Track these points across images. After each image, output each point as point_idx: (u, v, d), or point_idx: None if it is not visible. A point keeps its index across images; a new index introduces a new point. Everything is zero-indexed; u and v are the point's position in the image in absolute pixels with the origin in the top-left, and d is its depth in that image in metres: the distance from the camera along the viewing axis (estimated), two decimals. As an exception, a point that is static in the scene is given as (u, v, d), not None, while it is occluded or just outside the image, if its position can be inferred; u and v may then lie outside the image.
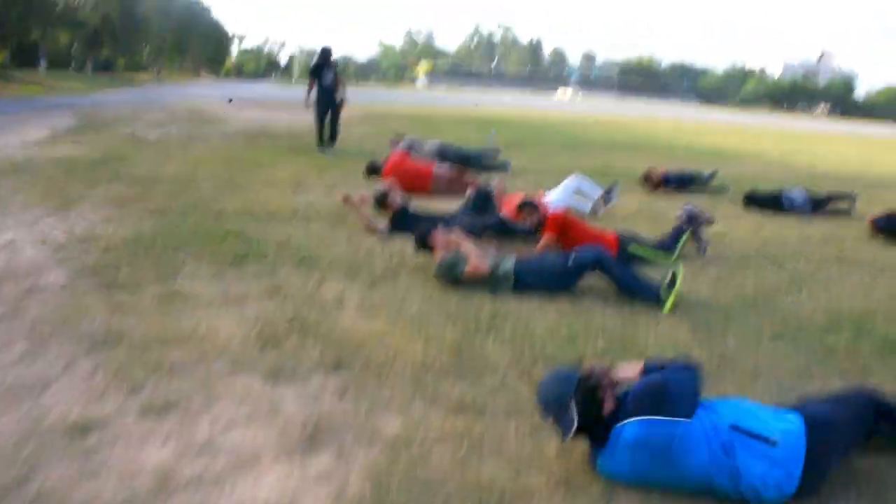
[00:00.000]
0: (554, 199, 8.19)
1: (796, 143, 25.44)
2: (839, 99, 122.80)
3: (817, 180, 12.30)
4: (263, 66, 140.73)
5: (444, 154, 11.29)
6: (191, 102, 27.68)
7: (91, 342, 3.78)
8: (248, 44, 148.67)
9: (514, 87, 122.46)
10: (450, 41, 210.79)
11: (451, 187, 9.04)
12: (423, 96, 53.17)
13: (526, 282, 5.01)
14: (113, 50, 65.35)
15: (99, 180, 8.63)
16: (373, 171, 9.65)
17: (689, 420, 2.63)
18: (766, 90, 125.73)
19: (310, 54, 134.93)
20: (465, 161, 11.23)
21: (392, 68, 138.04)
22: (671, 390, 2.70)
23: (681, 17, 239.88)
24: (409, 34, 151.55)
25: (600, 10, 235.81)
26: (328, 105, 13.43)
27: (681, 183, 10.76)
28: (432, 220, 6.49)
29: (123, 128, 15.86)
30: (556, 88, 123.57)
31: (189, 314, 4.26)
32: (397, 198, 7.14)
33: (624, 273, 5.03)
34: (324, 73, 13.30)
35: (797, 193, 9.33)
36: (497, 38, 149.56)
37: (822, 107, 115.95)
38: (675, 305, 4.75)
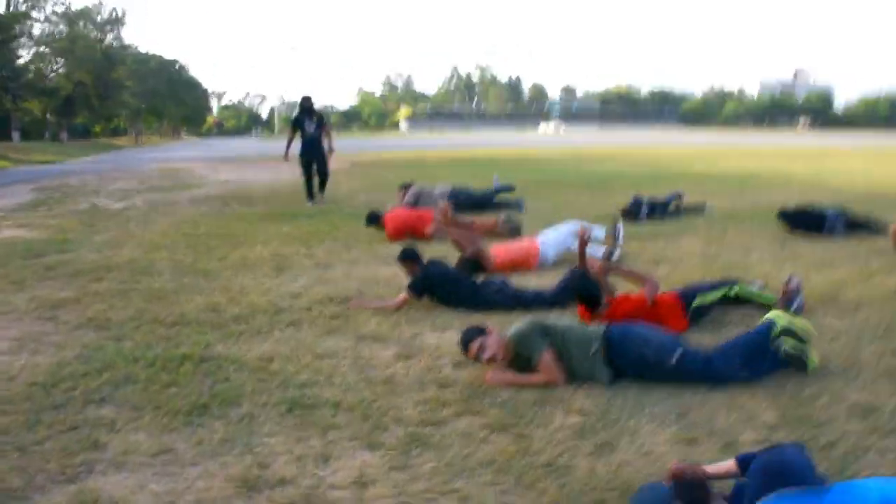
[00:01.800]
0: (552, 239, 7.33)
1: (813, 160, 23.89)
2: (818, 112, 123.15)
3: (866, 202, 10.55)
4: (245, 121, 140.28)
5: (455, 198, 10.84)
6: (166, 165, 25.97)
7: None
8: (229, 99, 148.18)
9: (496, 126, 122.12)
10: (429, 84, 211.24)
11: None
12: (409, 141, 51.76)
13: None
14: (89, 116, 63.92)
15: (30, 277, 6.77)
16: (373, 220, 9.11)
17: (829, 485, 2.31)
18: (745, 110, 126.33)
19: (291, 106, 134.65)
20: (479, 204, 11.14)
21: (373, 115, 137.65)
22: (795, 461, 2.38)
23: (656, 45, 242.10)
24: (388, 80, 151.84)
25: (577, 42, 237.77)
26: (313, 156, 12.77)
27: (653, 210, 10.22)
28: (463, 286, 5.69)
29: (85, 200, 14.07)
30: (537, 124, 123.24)
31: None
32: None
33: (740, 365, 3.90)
34: (305, 124, 12.74)
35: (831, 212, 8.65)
36: (476, 77, 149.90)
37: (804, 121, 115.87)
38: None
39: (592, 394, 3.72)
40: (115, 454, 3.13)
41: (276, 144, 47.60)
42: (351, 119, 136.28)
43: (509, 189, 12.22)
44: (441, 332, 4.86)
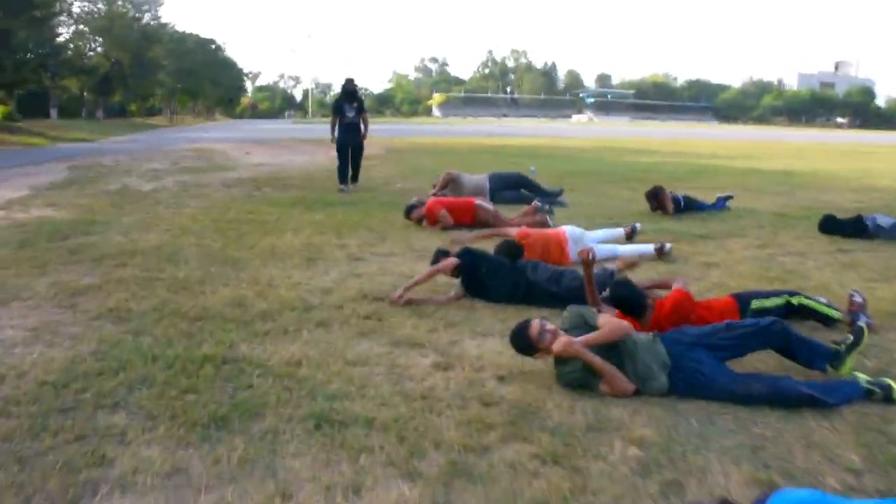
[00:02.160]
0: (582, 237, 6.98)
1: (858, 159, 23.06)
2: (860, 108, 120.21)
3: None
4: (279, 103, 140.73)
5: (495, 187, 10.94)
6: (199, 146, 25.85)
7: None
8: (263, 81, 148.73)
9: (530, 113, 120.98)
10: (463, 69, 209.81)
11: (496, 219, 8.65)
12: (442, 127, 51.32)
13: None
14: (124, 95, 64.30)
15: (53, 260, 6.53)
16: (408, 213, 8.92)
17: None
18: (784, 103, 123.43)
19: (325, 88, 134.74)
20: (518, 184, 11.21)
21: (406, 100, 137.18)
22: None
23: (694, 33, 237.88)
24: (422, 63, 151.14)
25: (614, 29, 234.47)
26: (349, 141, 12.50)
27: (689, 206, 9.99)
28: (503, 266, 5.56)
29: (116, 180, 13.90)
30: (571, 112, 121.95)
31: None
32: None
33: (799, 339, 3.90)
34: (346, 108, 12.42)
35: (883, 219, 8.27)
36: (511, 62, 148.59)
37: (845, 120, 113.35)
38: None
39: (653, 419, 3.34)
40: (124, 472, 2.82)
41: (309, 127, 47.55)
42: (383, 103, 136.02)
43: (556, 195, 11.21)
44: (482, 339, 4.50)
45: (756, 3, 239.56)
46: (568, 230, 6.96)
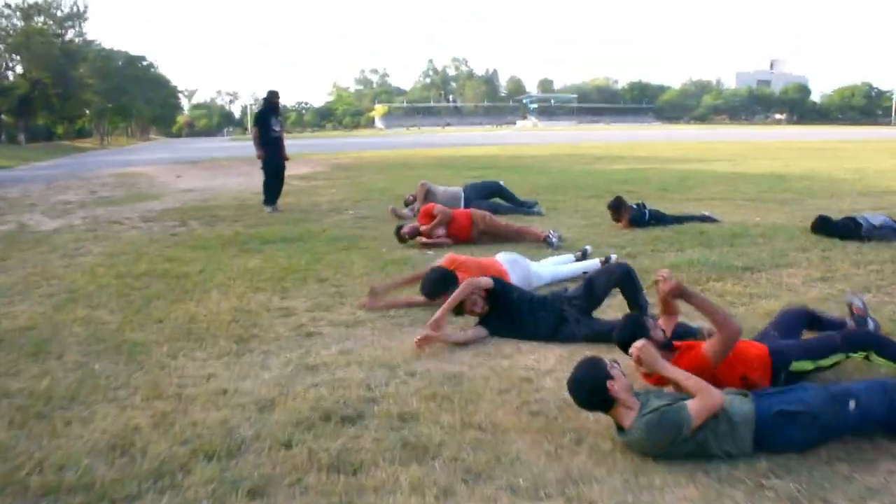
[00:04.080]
0: (525, 269, 6.04)
1: (832, 158, 21.98)
2: (796, 104, 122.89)
3: None
4: (217, 120, 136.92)
5: (469, 199, 10.11)
6: (125, 171, 23.41)
7: None
8: (200, 98, 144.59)
9: (473, 121, 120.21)
10: (404, 79, 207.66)
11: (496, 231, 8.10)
12: (388, 140, 49.36)
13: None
14: (49, 117, 60.65)
15: None
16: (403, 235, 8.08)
17: None
18: (724, 102, 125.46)
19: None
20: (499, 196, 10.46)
21: (348, 113, 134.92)
22: None
23: (634, 36, 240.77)
24: (363, 75, 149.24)
25: (553, 35, 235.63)
26: (278, 157, 11.59)
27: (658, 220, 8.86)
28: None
29: (14, 218, 11.65)
30: (515, 118, 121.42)
31: None
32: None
33: None
34: (272, 121, 11.52)
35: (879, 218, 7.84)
36: (452, 71, 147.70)
37: (783, 116, 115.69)
38: None
39: None
40: None
41: (247, 144, 44.95)
42: (324, 117, 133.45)
43: (531, 206, 10.60)
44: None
45: (693, 4, 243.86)
46: (500, 256, 6.12)
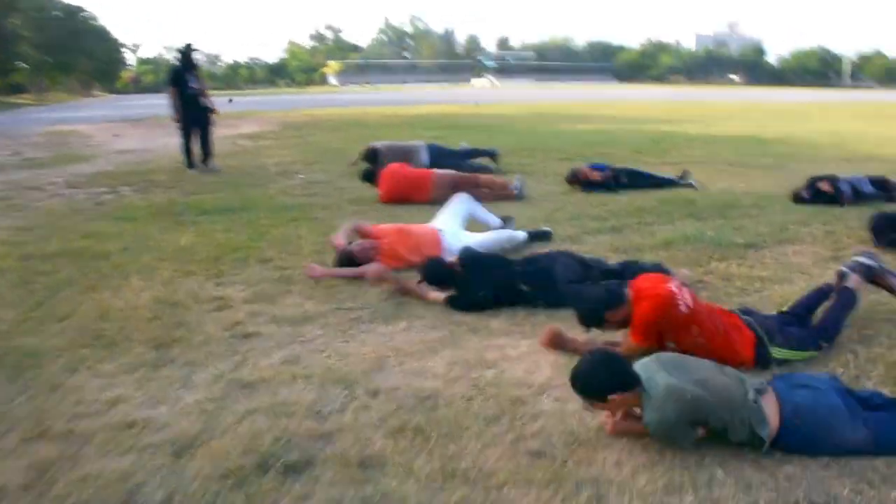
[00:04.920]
0: (449, 232, 5.52)
1: (823, 122, 21.54)
2: (752, 66, 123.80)
3: None
4: (164, 76, 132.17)
5: (434, 158, 9.49)
6: (60, 128, 21.76)
7: None
8: (146, 53, 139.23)
9: (430, 78, 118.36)
10: (360, 37, 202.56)
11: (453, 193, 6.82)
12: (342, 97, 47.74)
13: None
14: (-20, 72, 57.17)
15: None
16: (367, 178, 8.27)
17: None
18: (682, 62, 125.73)
19: (213, 59, 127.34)
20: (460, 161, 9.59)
21: (301, 69, 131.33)
22: None
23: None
24: (318, 32, 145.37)
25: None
26: (196, 116, 10.88)
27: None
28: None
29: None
30: (472, 76, 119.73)
31: None
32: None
33: None
34: (189, 78, 10.78)
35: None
36: (409, 28, 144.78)
37: (737, 77, 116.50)
38: None
39: None
40: None
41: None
42: (276, 73, 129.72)
43: (490, 154, 10.45)
44: None
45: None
46: (438, 224, 5.68)
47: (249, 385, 3.34)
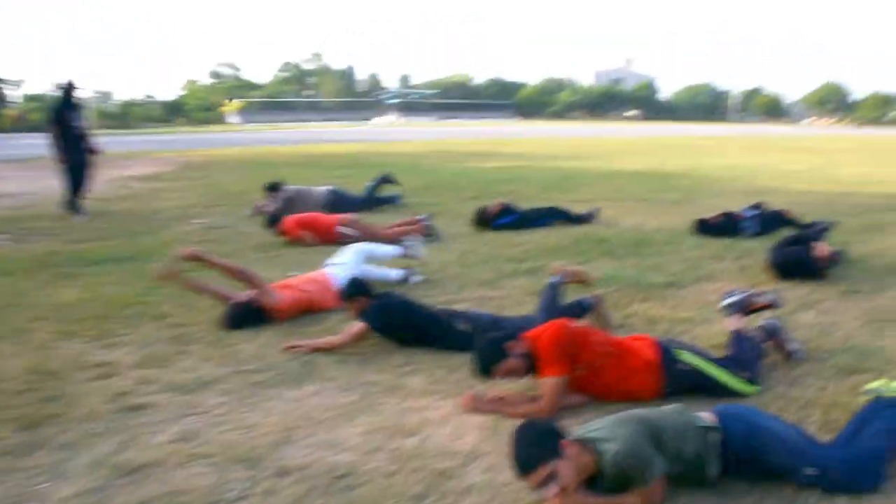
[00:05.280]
0: (343, 271, 5.43)
1: (721, 156, 22.36)
2: (645, 101, 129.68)
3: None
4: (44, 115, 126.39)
5: (335, 204, 9.44)
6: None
7: None
8: (33, 90, 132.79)
9: (332, 117, 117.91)
10: (260, 74, 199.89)
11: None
12: (244, 136, 46.71)
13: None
14: None
15: None
16: (272, 222, 8.00)
17: None
18: (579, 99, 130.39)
19: (105, 97, 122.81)
20: (362, 208, 9.64)
21: (199, 107, 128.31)
22: None
23: (492, 35, 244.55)
24: (216, 69, 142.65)
25: (411, 32, 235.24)
26: (82, 156, 10.24)
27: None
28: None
29: None
30: (373, 114, 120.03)
31: None
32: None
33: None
34: (72, 117, 10.13)
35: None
36: (309, 66, 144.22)
37: (635, 112, 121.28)
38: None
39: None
40: None
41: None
42: (173, 112, 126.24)
43: (389, 181, 10.90)
44: None
45: (552, 4, 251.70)
46: (329, 270, 5.50)
47: (136, 470, 2.90)
